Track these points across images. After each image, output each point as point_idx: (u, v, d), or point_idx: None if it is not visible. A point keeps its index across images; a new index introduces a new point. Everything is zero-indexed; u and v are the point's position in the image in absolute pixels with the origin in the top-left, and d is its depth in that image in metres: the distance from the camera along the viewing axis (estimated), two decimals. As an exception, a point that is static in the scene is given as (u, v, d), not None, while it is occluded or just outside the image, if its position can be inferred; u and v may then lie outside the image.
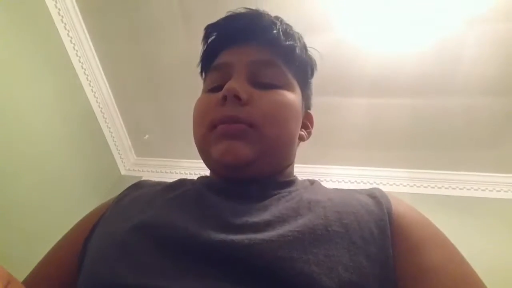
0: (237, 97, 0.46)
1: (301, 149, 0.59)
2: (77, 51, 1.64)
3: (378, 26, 1.37)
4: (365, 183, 1.82)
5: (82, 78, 1.70)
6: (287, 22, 0.56)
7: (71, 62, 1.64)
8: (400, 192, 1.77)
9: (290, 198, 0.45)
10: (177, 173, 2.04)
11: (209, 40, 0.56)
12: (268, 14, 0.54)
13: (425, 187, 1.77)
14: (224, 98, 0.47)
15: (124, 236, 0.40)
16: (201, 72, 0.60)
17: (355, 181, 1.84)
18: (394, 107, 1.59)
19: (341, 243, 0.37)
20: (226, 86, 0.47)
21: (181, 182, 0.54)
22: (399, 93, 1.54)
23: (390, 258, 0.38)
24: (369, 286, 0.35)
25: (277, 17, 0.55)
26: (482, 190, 1.71)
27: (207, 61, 0.57)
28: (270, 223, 0.39)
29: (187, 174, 2.02)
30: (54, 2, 1.50)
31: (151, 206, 0.46)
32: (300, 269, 0.34)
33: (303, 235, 0.37)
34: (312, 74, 0.61)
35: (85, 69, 1.70)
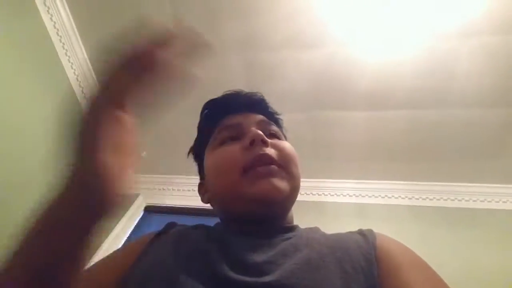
0: (264, 141, 0.54)
1: (300, 164, 0.62)
2: (75, 70, 1.66)
3: (373, 40, 1.39)
4: (363, 196, 1.81)
5: (78, 92, 1.71)
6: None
7: (68, 77, 1.65)
8: (398, 205, 1.76)
9: (292, 238, 0.52)
10: (174, 189, 2.02)
11: (213, 109, 0.66)
12: (258, 92, 0.68)
13: (423, 199, 1.77)
14: (252, 142, 0.54)
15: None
16: (203, 134, 0.66)
17: (354, 194, 1.83)
18: (391, 120, 1.60)
19: (335, 271, 0.43)
20: (252, 132, 0.55)
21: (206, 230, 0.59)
22: (395, 106, 1.55)
23: (377, 284, 0.43)
24: None
25: (263, 96, 0.68)
26: (481, 201, 1.71)
27: (211, 125, 0.64)
28: (275, 259, 0.46)
29: (185, 190, 2.00)
30: (52, 23, 1.52)
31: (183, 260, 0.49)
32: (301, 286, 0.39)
33: (301, 266, 0.43)
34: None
35: (82, 88, 1.71)
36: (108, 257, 0.54)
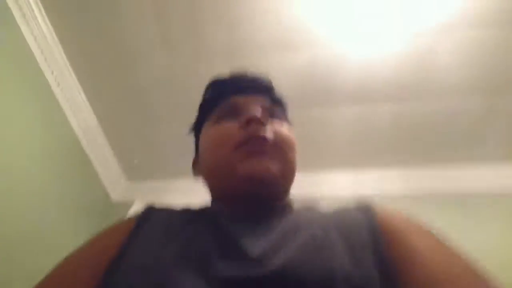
0: (260, 121, 0.52)
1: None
2: (59, 82, 1.65)
3: (355, 38, 1.43)
4: (358, 186, 1.84)
5: (65, 106, 1.70)
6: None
7: (53, 92, 1.63)
8: (393, 192, 1.78)
9: (291, 219, 0.49)
10: (170, 192, 2.02)
11: (217, 88, 0.65)
12: (265, 75, 0.66)
13: (418, 184, 1.79)
14: (248, 121, 0.52)
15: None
16: (203, 112, 0.65)
17: (346, 186, 1.87)
18: (378, 113, 1.64)
19: (341, 248, 0.42)
20: (249, 112, 0.54)
21: (194, 211, 0.55)
22: (381, 99, 1.59)
23: (384, 258, 0.42)
24: (372, 277, 0.39)
25: (270, 79, 0.66)
26: (475, 182, 1.73)
27: (213, 104, 0.63)
28: (277, 243, 0.43)
29: (181, 194, 2.00)
30: (30, 30, 1.51)
31: (172, 240, 0.46)
32: (309, 269, 0.38)
33: (305, 246, 0.41)
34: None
35: (68, 98, 1.70)
36: (83, 248, 0.50)
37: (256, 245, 0.43)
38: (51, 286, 0.45)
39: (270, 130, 0.53)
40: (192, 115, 0.69)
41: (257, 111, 0.55)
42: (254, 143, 0.51)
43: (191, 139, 0.70)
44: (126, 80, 1.68)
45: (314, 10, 1.38)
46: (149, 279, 0.39)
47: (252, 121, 0.52)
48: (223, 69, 0.70)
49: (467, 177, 1.76)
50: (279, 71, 1.49)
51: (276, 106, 0.62)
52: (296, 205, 0.58)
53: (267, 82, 0.65)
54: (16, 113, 1.45)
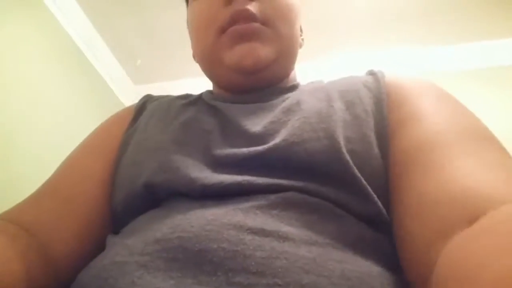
0: None
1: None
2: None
3: None
4: (378, 65, 1.73)
5: (59, 16, 1.56)
6: None
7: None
8: (415, 72, 1.69)
9: (294, 95, 0.45)
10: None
11: None
12: None
13: (443, 62, 1.66)
14: None
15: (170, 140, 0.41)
16: None
17: (365, 65, 1.76)
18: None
19: (346, 117, 0.39)
20: None
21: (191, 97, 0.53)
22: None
23: (386, 126, 0.39)
24: (373, 153, 0.36)
25: None
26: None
27: None
28: (279, 118, 0.40)
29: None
30: None
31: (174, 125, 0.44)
32: (310, 148, 0.35)
33: (309, 118, 0.38)
34: None
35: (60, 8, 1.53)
36: (87, 142, 0.49)
37: (256, 122, 0.40)
38: (66, 173, 0.45)
39: (259, 2, 0.44)
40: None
41: None
42: (239, 24, 0.43)
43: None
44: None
45: None
46: (153, 160, 0.39)
47: None
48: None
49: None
50: None
51: None
52: (302, 84, 0.52)
53: None
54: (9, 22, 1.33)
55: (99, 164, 0.45)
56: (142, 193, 0.38)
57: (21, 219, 0.38)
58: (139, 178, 0.38)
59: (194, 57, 0.55)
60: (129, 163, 0.42)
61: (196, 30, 0.49)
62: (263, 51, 0.44)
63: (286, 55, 0.48)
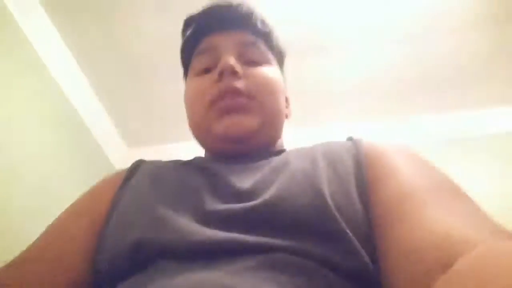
0: (233, 72, 0.49)
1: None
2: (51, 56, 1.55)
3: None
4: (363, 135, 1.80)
5: (59, 78, 1.62)
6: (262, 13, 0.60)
7: (44, 64, 1.55)
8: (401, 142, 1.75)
9: (281, 157, 0.48)
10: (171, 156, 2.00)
11: (192, 28, 0.58)
12: (245, 4, 0.57)
13: (425, 133, 1.75)
14: (221, 74, 0.49)
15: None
16: (184, 60, 0.62)
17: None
18: (385, 54, 1.54)
19: (329, 175, 0.42)
20: (221, 63, 0.49)
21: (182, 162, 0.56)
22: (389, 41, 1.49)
23: (367, 187, 0.41)
24: (356, 208, 0.38)
25: (252, 7, 0.58)
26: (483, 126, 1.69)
27: (191, 48, 0.59)
28: (267, 177, 0.42)
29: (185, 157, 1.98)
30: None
31: (163, 188, 0.46)
32: (299, 202, 0.37)
33: (295, 176, 0.41)
34: (283, 61, 0.65)
35: (58, 67, 1.61)
36: (75, 206, 0.50)
37: (246, 180, 0.43)
38: (52, 236, 0.46)
39: (245, 79, 0.51)
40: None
41: (229, 58, 0.50)
42: (227, 99, 0.49)
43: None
44: (119, 46, 1.58)
45: None
46: (143, 217, 0.40)
47: (224, 72, 0.49)
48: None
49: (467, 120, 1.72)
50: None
51: (259, 37, 0.57)
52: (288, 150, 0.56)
53: (245, 11, 0.56)
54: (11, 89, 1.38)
55: (85, 229, 0.45)
56: (130, 253, 0.37)
57: (3, 282, 0.37)
58: (128, 236, 0.38)
59: (189, 126, 0.60)
60: (119, 223, 0.43)
61: (191, 102, 0.55)
62: (247, 122, 0.49)
63: (270, 124, 0.53)
